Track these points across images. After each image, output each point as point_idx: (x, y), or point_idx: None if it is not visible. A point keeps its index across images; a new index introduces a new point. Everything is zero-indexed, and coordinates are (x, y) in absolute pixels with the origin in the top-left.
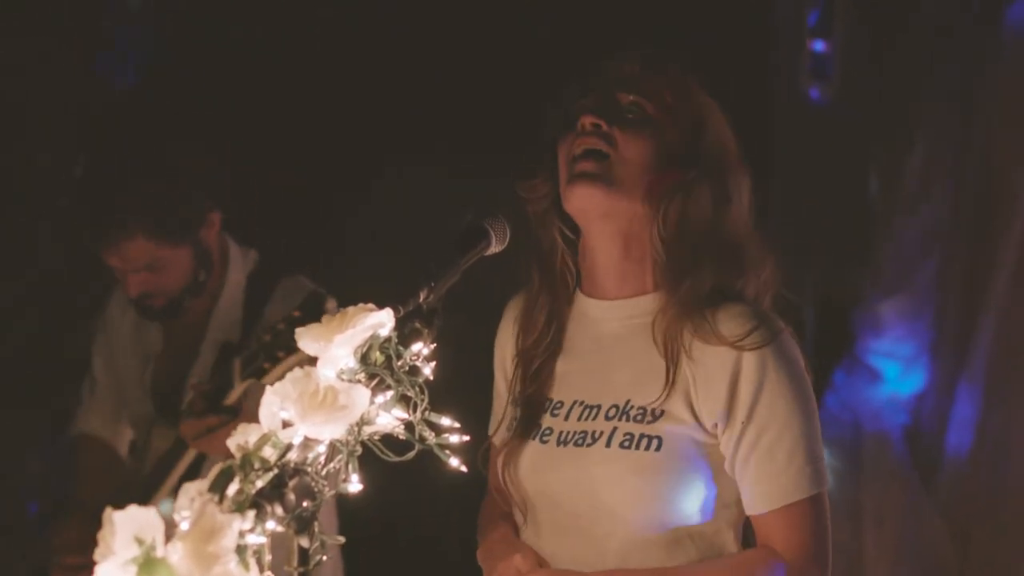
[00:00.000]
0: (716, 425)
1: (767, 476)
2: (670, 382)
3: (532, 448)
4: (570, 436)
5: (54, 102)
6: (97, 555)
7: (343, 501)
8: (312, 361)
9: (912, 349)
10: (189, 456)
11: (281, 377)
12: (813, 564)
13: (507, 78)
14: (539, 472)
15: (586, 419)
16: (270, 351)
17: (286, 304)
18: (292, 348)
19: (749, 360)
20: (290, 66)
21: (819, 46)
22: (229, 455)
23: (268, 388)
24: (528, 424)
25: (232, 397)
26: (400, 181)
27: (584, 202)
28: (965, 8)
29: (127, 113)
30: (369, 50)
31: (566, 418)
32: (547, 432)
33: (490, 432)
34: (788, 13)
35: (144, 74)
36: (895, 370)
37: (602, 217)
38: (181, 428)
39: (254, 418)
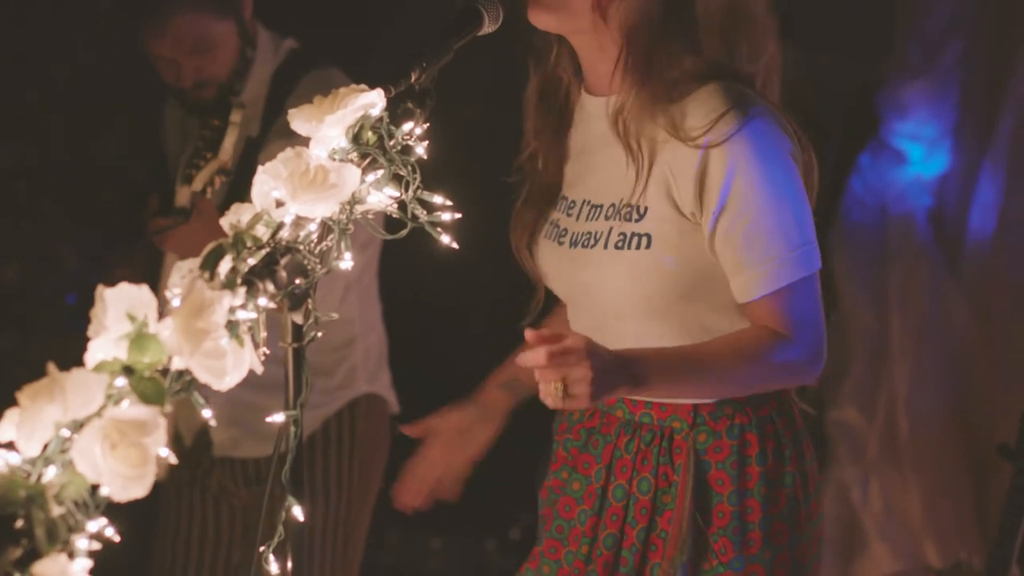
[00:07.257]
0: (694, 214)
1: (747, 265)
2: (642, 179)
3: (552, 250)
4: (579, 237)
5: None
6: (90, 332)
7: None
8: (223, 166)
9: (936, 131)
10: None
11: (205, 182)
12: (804, 342)
13: None
14: (559, 274)
15: (591, 219)
16: (199, 155)
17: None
18: (215, 151)
19: (716, 151)
20: None
21: None
22: (189, 254)
23: (260, 168)
24: (545, 217)
25: (181, 200)
26: None
27: (541, 26)
28: None
29: None
30: None
31: (577, 218)
32: (563, 233)
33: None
34: None
35: None
36: (919, 152)
37: (567, 33)
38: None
39: None
